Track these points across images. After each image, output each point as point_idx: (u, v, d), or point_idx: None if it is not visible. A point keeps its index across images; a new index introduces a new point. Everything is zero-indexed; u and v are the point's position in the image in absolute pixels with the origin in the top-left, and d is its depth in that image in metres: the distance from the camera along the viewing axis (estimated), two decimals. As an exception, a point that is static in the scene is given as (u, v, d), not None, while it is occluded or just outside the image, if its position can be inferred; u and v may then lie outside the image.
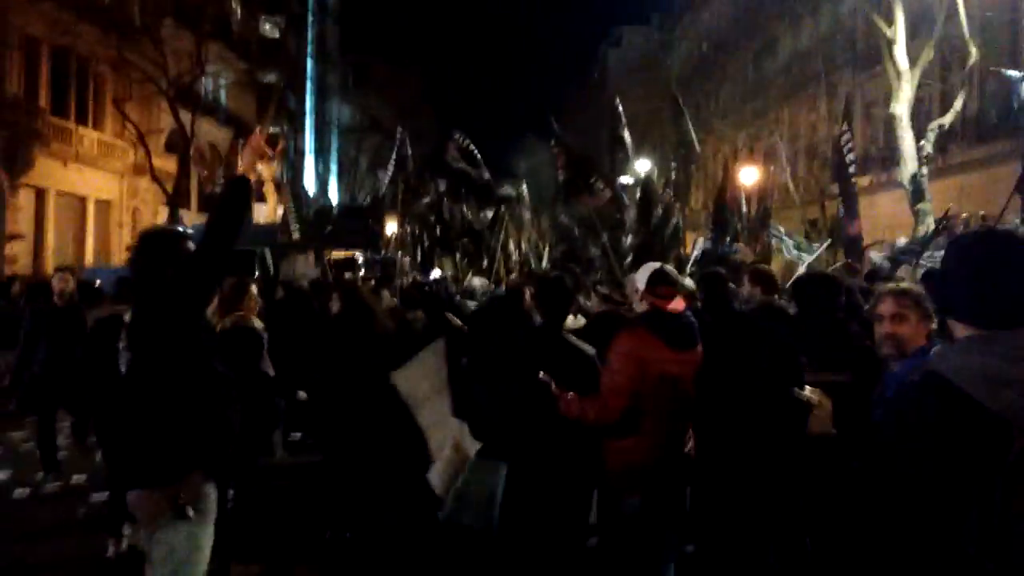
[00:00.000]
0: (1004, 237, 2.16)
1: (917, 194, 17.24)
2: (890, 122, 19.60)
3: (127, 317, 4.04)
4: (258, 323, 6.08)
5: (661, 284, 4.35)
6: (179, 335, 3.41)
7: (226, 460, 3.59)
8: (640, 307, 4.53)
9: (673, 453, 4.27)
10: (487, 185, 20.16)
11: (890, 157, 22.05)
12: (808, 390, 3.16)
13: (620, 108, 15.50)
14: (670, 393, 4.20)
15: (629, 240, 15.17)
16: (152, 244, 3.61)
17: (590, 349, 4.51)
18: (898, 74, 18.13)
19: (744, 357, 4.53)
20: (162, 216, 28.63)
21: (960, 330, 2.08)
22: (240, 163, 3.65)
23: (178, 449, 3.39)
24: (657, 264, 4.57)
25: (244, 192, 3.51)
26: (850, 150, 12.53)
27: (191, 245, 3.56)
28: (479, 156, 19.78)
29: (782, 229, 14.00)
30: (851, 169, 12.44)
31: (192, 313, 3.48)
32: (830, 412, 3.15)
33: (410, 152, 21.57)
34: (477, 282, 15.80)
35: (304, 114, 50.64)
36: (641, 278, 4.47)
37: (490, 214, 21.79)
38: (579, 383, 4.23)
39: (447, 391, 4.91)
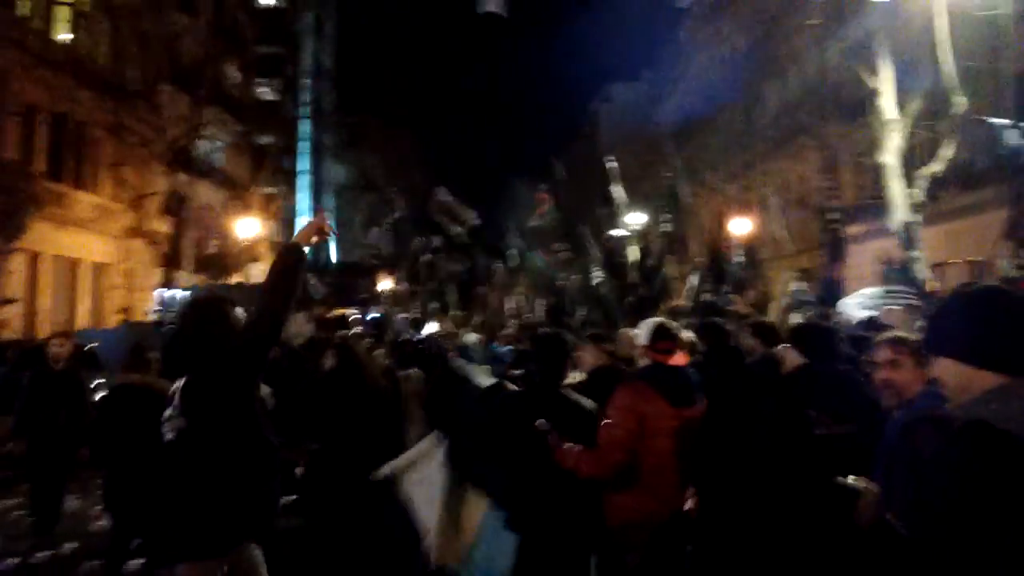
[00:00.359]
0: None
1: (909, 242, 17.33)
2: (880, 171, 19.79)
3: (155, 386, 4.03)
4: (263, 388, 5.87)
5: (662, 339, 4.36)
6: (238, 402, 3.43)
7: (272, 530, 3.56)
8: (641, 362, 4.52)
9: (673, 510, 4.20)
10: (473, 233, 20.21)
11: (881, 206, 22.21)
12: (852, 478, 3.04)
13: (613, 165, 15.63)
14: (669, 449, 4.15)
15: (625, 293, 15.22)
16: (201, 310, 3.70)
17: (591, 404, 4.48)
18: (884, 124, 18.37)
19: (750, 410, 4.49)
20: (156, 278, 28.67)
21: (980, 379, 2.05)
22: (299, 234, 3.71)
23: (230, 519, 3.37)
24: (658, 319, 4.59)
25: (298, 258, 3.57)
26: (833, 198, 12.65)
27: (238, 310, 3.65)
28: (460, 210, 19.87)
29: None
30: (835, 216, 12.54)
31: (250, 380, 3.52)
32: (878, 496, 3.02)
33: (402, 210, 21.73)
34: (471, 338, 15.75)
35: (299, 174, 51.06)
36: (642, 333, 4.46)
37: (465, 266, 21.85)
38: (580, 439, 4.20)
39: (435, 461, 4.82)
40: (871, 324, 7.24)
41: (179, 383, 3.58)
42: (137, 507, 5.80)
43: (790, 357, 4.19)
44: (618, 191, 15.30)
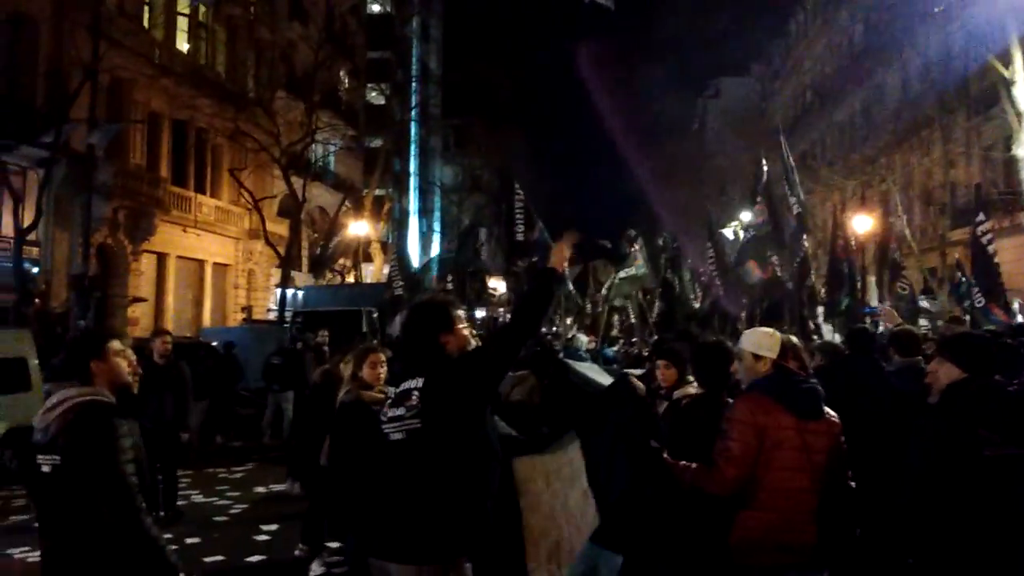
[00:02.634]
0: None
1: (1046, 239, 16.40)
2: (1011, 165, 18.74)
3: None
4: (381, 394, 5.73)
5: (791, 350, 4.18)
6: (473, 410, 3.48)
7: (484, 549, 3.56)
8: (750, 373, 4.29)
9: (800, 527, 3.97)
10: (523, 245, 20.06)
11: (1012, 201, 21.07)
12: None
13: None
14: (795, 464, 3.93)
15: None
16: (425, 314, 3.74)
17: None
18: (1018, 115, 17.39)
19: (903, 429, 4.21)
20: (275, 278, 29.61)
21: None
22: (552, 258, 3.79)
23: (454, 528, 3.39)
24: (768, 329, 4.39)
25: (550, 282, 3.70)
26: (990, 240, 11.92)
27: (460, 312, 3.75)
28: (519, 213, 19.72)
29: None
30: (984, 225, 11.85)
31: (487, 388, 3.58)
32: None
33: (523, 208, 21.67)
34: (582, 339, 15.64)
35: (408, 176, 51.95)
36: (764, 343, 4.24)
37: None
38: None
39: (576, 488, 4.71)
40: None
41: (410, 383, 3.60)
42: (355, 503, 5.83)
43: (944, 370, 3.89)
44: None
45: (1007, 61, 17.53)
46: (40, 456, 3.49)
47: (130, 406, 3.90)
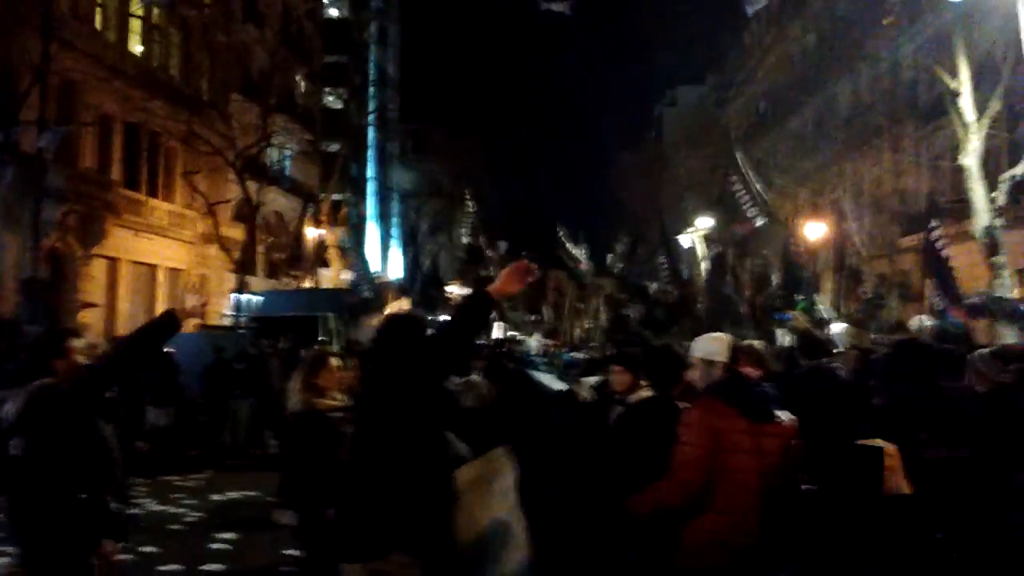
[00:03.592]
0: None
1: (991, 246, 16.77)
2: (958, 174, 19.18)
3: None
4: (335, 400, 5.65)
5: (742, 354, 4.25)
6: (408, 412, 3.60)
7: (428, 543, 3.66)
8: (704, 379, 4.36)
9: (752, 531, 4.02)
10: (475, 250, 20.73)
11: (959, 209, 21.56)
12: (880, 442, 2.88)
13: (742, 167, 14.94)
14: (749, 467, 4.00)
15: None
16: (397, 328, 3.91)
17: None
18: (965, 126, 17.80)
19: (843, 427, 4.31)
20: (229, 283, 29.26)
21: None
22: (499, 282, 3.74)
23: (386, 525, 3.54)
24: (718, 335, 4.47)
25: (483, 307, 3.69)
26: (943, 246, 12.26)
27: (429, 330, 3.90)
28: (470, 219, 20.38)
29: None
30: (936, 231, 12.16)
31: (414, 395, 3.65)
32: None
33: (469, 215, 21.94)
34: (532, 343, 15.73)
35: (366, 181, 51.71)
36: (713, 349, 4.31)
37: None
38: None
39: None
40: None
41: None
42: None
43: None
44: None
45: (954, 72, 17.94)
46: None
47: (103, 408, 4.09)
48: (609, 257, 27.66)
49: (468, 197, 22.11)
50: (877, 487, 3.30)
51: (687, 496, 4.00)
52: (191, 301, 4.27)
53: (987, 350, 4.88)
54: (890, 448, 3.38)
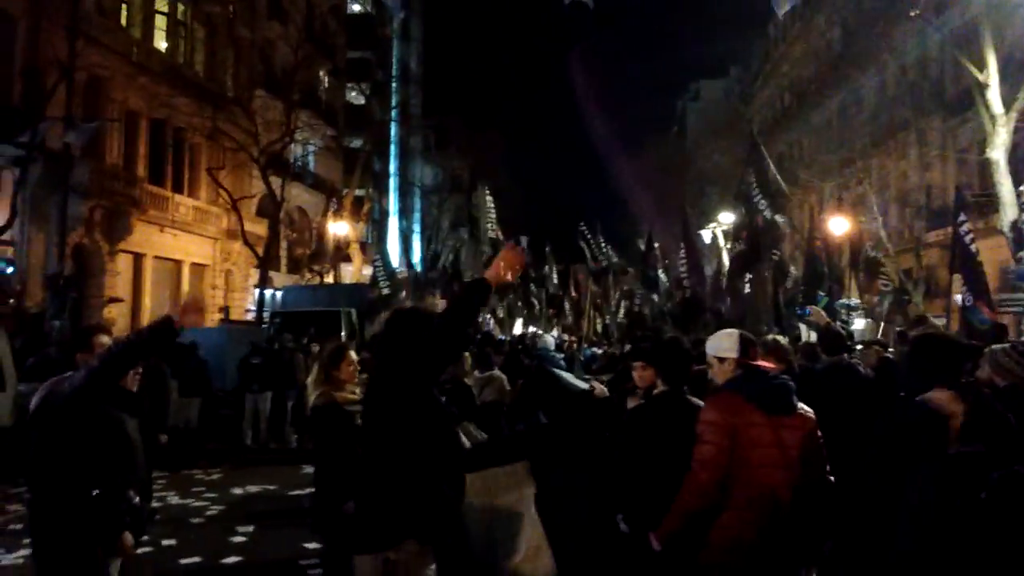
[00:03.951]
0: None
1: (1019, 241, 16.52)
2: (985, 167, 18.92)
3: None
4: (354, 393, 5.66)
5: (752, 347, 4.20)
6: (412, 403, 3.66)
7: (440, 530, 3.73)
8: (721, 376, 4.32)
9: (779, 523, 3.99)
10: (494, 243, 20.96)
11: (987, 203, 21.29)
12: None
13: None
14: (771, 460, 3.96)
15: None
16: (403, 321, 3.95)
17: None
18: (992, 118, 17.57)
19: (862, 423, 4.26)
20: (253, 278, 29.46)
21: None
22: (490, 270, 3.76)
23: (396, 514, 3.59)
24: (729, 331, 4.43)
25: (481, 294, 3.69)
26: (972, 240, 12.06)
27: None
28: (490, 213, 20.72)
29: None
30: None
31: (419, 385, 3.71)
32: None
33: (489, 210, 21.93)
34: (549, 339, 15.68)
35: (388, 176, 51.83)
36: (724, 345, 4.27)
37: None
38: None
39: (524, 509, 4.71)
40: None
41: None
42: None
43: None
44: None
45: (981, 65, 17.71)
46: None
47: (128, 402, 4.16)
48: (629, 252, 27.58)
49: (488, 191, 22.09)
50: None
51: (705, 496, 3.97)
52: (188, 309, 4.25)
53: (1007, 344, 4.80)
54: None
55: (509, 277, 3.72)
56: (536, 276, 25.62)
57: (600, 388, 6.27)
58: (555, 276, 25.51)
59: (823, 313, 9.07)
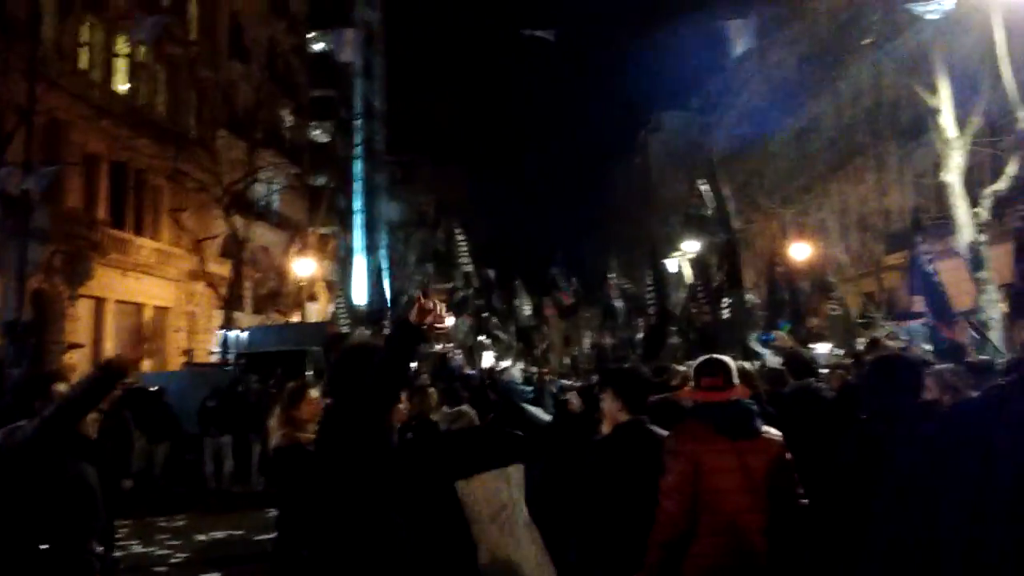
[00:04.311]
0: None
1: (976, 262, 16.81)
2: (941, 190, 19.28)
3: None
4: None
5: (707, 375, 4.21)
6: (362, 441, 3.59)
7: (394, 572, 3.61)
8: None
9: (750, 549, 3.96)
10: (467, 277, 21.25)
11: (943, 225, 21.66)
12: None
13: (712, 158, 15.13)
14: (736, 486, 3.95)
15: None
16: (354, 357, 3.91)
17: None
18: (946, 142, 17.92)
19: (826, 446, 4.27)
20: (217, 319, 29.12)
21: None
22: (412, 312, 3.71)
23: (346, 559, 3.51)
24: (707, 357, 4.45)
25: (407, 335, 3.65)
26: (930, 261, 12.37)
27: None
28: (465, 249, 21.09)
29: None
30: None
31: (367, 422, 3.63)
32: None
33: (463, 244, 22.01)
34: (515, 372, 15.65)
35: (353, 213, 51.72)
36: (688, 374, 4.33)
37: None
38: None
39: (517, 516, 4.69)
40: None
41: None
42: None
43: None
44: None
45: (934, 90, 18.08)
46: None
47: (85, 450, 4.09)
48: (595, 283, 27.78)
49: (456, 227, 22.21)
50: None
51: (675, 526, 3.94)
52: (129, 344, 4.29)
53: (951, 365, 4.88)
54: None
55: (426, 324, 3.66)
56: (502, 309, 25.61)
57: (575, 402, 6.26)
58: (526, 309, 25.53)
59: (787, 337, 9.14)
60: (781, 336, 9.34)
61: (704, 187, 13.59)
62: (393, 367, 3.65)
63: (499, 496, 4.68)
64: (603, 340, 20.73)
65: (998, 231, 19.26)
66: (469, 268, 22.13)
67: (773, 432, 4.17)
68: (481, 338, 25.21)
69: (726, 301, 13.82)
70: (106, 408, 9.07)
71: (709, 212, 13.62)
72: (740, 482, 3.96)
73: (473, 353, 25.20)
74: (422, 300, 3.70)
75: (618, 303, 20.57)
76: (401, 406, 5.85)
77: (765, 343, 12.18)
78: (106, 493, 8.60)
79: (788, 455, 4.15)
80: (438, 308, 3.67)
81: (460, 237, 22.20)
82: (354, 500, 3.54)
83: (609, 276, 20.68)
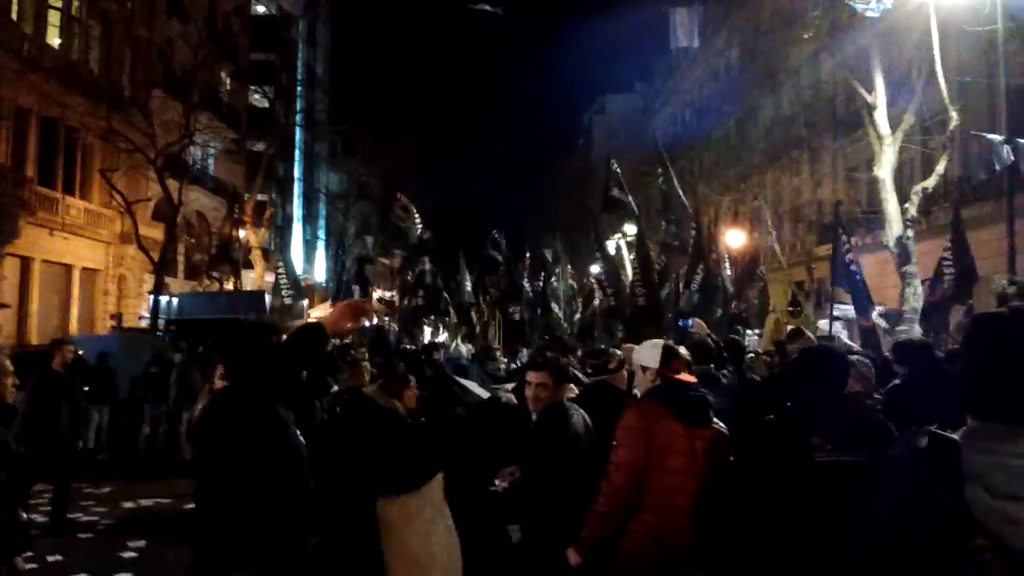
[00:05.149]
0: None
1: (903, 256, 17.32)
2: (873, 185, 19.78)
3: None
4: None
5: (674, 359, 4.32)
6: (250, 424, 3.42)
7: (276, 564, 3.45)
8: (644, 382, 4.45)
9: (687, 534, 4.07)
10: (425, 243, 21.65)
11: (874, 219, 22.26)
12: None
13: (616, 167, 15.58)
14: (682, 468, 4.06)
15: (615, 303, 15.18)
16: (247, 335, 3.80)
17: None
18: (879, 138, 18.38)
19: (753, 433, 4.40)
20: (148, 284, 28.52)
21: None
22: (329, 316, 3.59)
23: (224, 544, 3.35)
24: (661, 341, 4.55)
25: (313, 339, 3.43)
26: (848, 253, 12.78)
27: (279, 337, 3.66)
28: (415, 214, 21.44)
29: None
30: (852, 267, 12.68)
31: (258, 405, 3.46)
32: None
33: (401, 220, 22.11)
34: (463, 349, 15.70)
35: (293, 182, 50.98)
36: (647, 355, 4.40)
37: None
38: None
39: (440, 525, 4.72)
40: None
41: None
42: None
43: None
44: (620, 195, 15.15)
45: (870, 87, 18.52)
46: None
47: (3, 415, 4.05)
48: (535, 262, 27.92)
49: (402, 198, 22.22)
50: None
51: (621, 501, 4.04)
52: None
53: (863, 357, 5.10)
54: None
55: (349, 326, 3.60)
56: (448, 286, 25.58)
57: (508, 397, 6.33)
58: (468, 285, 25.53)
59: (703, 324, 9.38)
60: (698, 322, 9.58)
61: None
62: (288, 364, 3.44)
63: (421, 514, 4.70)
64: (519, 318, 21.18)
65: (926, 227, 19.90)
66: (427, 235, 22.24)
67: (721, 424, 4.31)
68: (424, 313, 25.21)
69: (669, 286, 14.10)
70: (63, 372, 9.30)
71: (627, 198, 14.06)
72: (687, 464, 4.07)
73: (411, 326, 25.15)
74: (353, 303, 3.64)
75: (525, 283, 21.28)
76: (411, 392, 5.89)
77: (683, 329, 12.33)
78: (55, 458, 8.76)
79: (729, 449, 4.28)
80: (367, 308, 3.64)
81: (413, 209, 22.31)
82: (233, 485, 3.40)
83: (525, 256, 21.39)
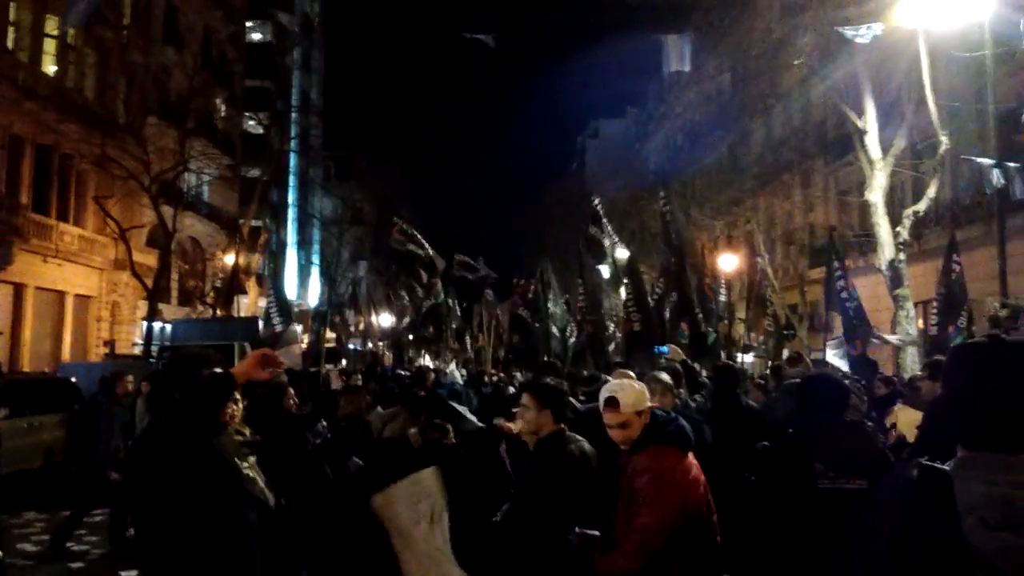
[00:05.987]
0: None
1: (895, 279, 17.40)
2: (865, 209, 19.89)
3: None
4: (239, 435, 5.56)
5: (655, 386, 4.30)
6: (180, 457, 3.38)
7: None
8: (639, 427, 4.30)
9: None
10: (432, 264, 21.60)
11: (866, 243, 22.37)
12: None
13: (598, 205, 15.68)
14: (704, 499, 4.03)
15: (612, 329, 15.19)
16: (175, 368, 3.75)
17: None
18: (871, 163, 18.51)
19: (754, 461, 4.38)
20: (142, 310, 28.46)
21: None
22: (240, 365, 3.61)
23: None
24: (636, 384, 4.49)
25: (219, 390, 3.46)
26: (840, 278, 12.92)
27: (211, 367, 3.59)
28: (419, 237, 21.33)
29: None
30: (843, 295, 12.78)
31: (189, 438, 3.43)
32: None
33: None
34: (455, 373, 15.68)
35: (287, 207, 51.06)
36: (647, 396, 4.25)
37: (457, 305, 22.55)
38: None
39: (442, 522, 4.68)
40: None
41: None
42: None
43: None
44: (601, 233, 15.29)
45: (860, 111, 18.67)
46: None
47: None
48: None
49: (400, 223, 22.29)
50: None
51: (651, 561, 3.78)
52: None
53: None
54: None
55: (262, 374, 3.61)
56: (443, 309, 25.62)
57: (507, 424, 6.31)
58: (458, 310, 25.53)
59: (679, 351, 9.43)
60: (674, 349, 9.58)
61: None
62: (198, 404, 3.45)
63: (417, 506, 4.66)
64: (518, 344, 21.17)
65: (917, 250, 20.00)
66: (431, 253, 22.28)
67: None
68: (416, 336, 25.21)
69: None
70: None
71: (604, 238, 14.25)
72: (705, 495, 4.02)
73: (405, 351, 25.12)
74: (266, 353, 3.65)
75: (521, 311, 21.23)
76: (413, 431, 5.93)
77: (659, 356, 12.13)
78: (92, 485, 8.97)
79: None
80: (276, 358, 3.67)
81: (410, 229, 22.33)
82: (165, 518, 3.38)
83: (517, 282, 21.40)
